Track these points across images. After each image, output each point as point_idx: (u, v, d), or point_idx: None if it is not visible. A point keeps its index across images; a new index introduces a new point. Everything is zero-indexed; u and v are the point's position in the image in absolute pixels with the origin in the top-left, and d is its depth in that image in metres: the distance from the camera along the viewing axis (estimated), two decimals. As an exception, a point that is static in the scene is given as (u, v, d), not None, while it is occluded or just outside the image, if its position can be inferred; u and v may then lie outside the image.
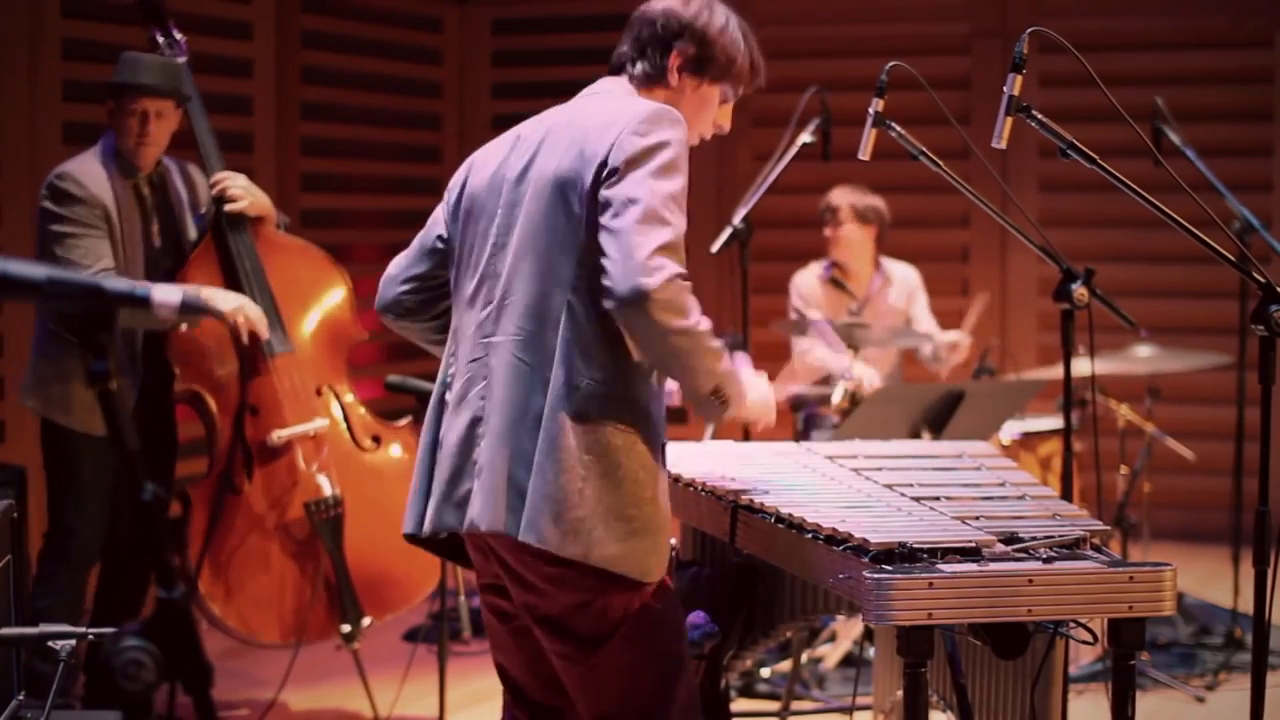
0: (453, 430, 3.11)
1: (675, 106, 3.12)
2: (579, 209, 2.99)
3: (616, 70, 3.24)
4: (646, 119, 3.00)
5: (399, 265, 3.31)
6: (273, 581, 5.02)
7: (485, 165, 3.19)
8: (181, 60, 5.02)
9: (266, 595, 5.01)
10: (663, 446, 3.10)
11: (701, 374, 3.00)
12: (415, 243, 3.30)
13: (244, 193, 5.05)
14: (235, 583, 4.96)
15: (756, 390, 3.23)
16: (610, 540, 2.97)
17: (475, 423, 3.07)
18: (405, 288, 3.30)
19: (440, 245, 3.25)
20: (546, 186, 3.04)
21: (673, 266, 2.90)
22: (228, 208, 5.03)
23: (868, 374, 5.97)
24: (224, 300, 4.84)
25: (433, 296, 3.28)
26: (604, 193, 2.96)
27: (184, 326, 4.87)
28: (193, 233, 5.03)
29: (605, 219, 2.94)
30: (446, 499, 3.09)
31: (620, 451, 3.00)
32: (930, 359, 6.43)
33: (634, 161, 2.95)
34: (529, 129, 3.17)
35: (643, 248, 2.89)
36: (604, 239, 2.93)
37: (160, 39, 5.06)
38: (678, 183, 2.97)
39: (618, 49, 3.25)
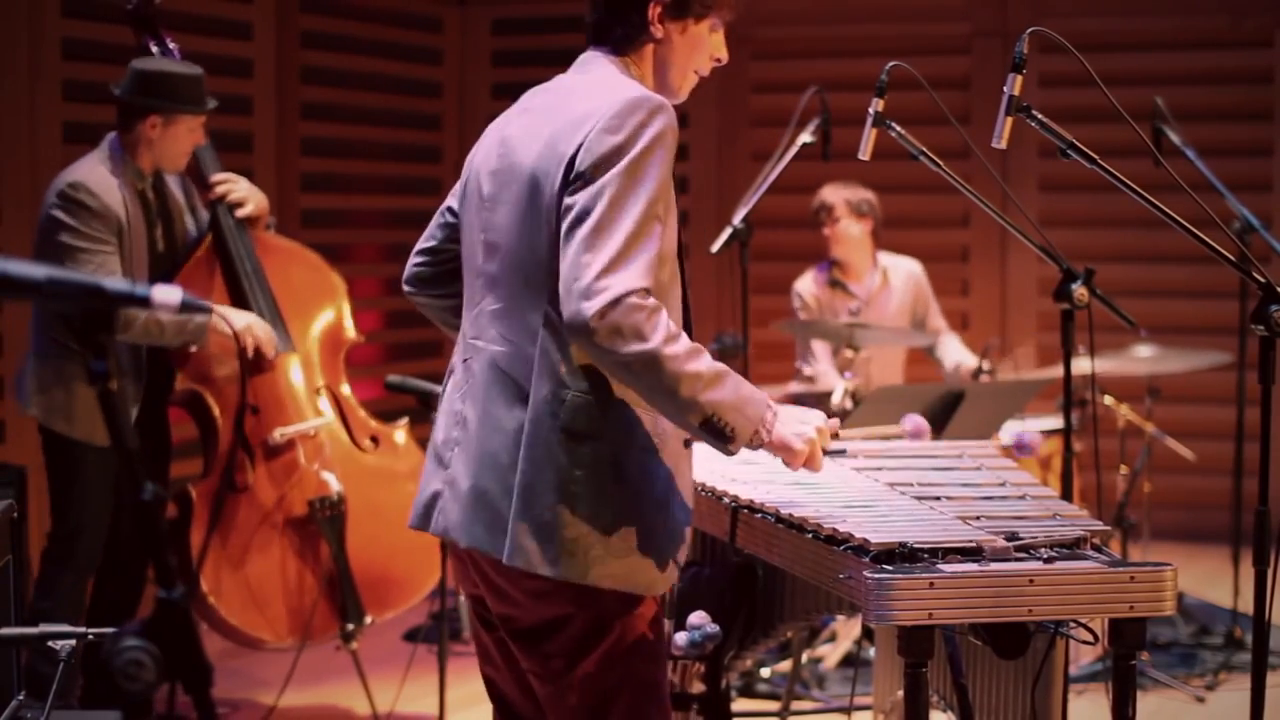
0: (437, 427, 3.05)
1: (666, 58, 3.01)
2: (549, 213, 2.84)
3: (597, 39, 3.03)
4: (619, 112, 2.82)
5: (421, 239, 3.22)
6: (276, 580, 5.02)
7: (487, 138, 3.06)
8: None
9: (270, 594, 5.01)
10: (686, 443, 2.93)
11: (680, 404, 2.76)
12: (435, 214, 3.21)
13: (247, 195, 5.06)
14: (239, 582, 4.96)
15: (793, 426, 2.89)
16: (610, 558, 2.84)
17: (452, 425, 3.00)
18: (418, 259, 3.21)
19: (450, 219, 3.15)
20: (524, 185, 2.89)
21: (620, 285, 2.69)
22: (238, 213, 5.03)
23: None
24: (235, 319, 4.85)
25: (444, 270, 3.17)
26: (567, 199, 2.80)
27: (193, 349, 4.86)
28: (193, 233, 5.03)
29: (563, 230, 2.78)
30: (420, 494, 3.05)
31: (615, 463, 2.85)
32: (940, 362, 6.42)
33: (601, 164, 2.78)
34: (534, 101, 3.02)
35: (587, 269, 2.71)
36: (561, 255, 2.78)
37: (155, 48, 5.02)
38: (651, 180, 2.79)
39: (588, 15, 3.04)
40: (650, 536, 2.88)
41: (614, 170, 2.78)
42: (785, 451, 2.90)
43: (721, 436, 2.80)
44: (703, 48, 3.05)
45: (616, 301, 2.69)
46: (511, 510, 2.86)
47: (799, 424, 2.90)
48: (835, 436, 3.07)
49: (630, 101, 2.84)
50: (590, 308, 2.69)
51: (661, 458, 2.90)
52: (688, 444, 2.97)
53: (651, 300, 2.73)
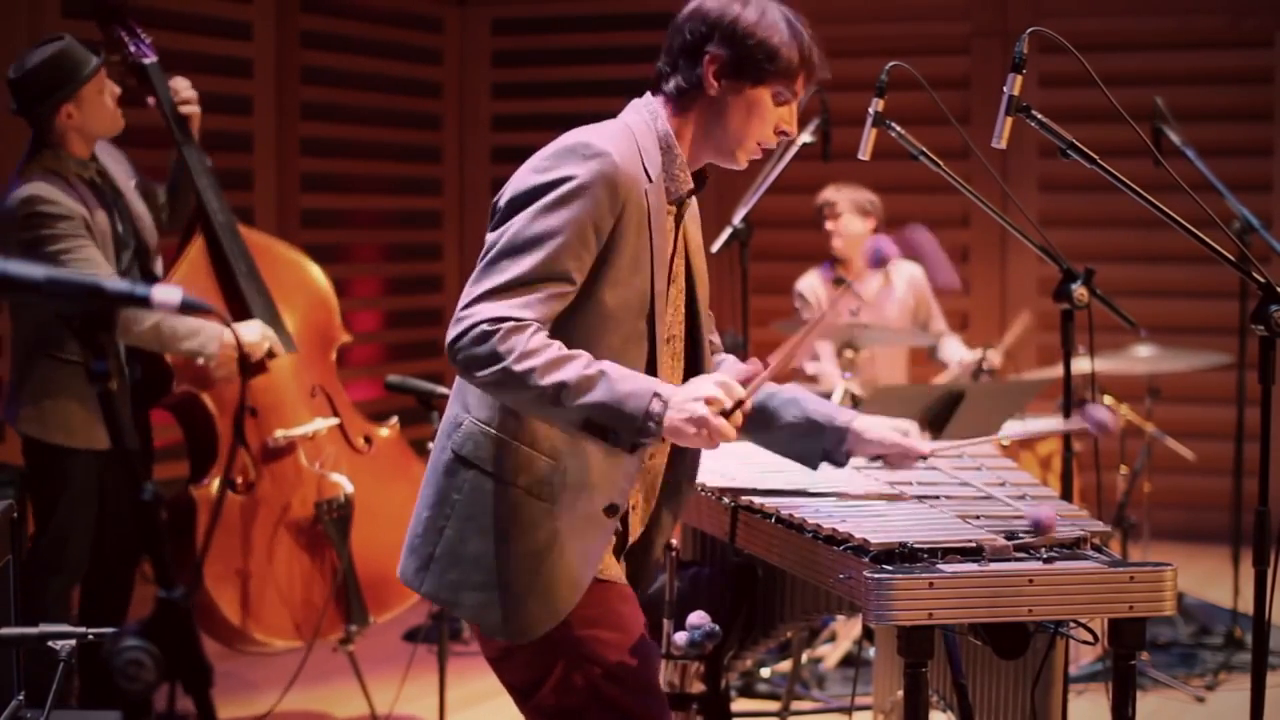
0: None
1: (719, 118, 2.90)
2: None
3: (654, 85, 2.95)
4: (553, 153, 2.79)
5: None
6: (283, 583, 5.01)
7: None
8: (150, 60, 4.90)
9: (276, 597, 4.99)
10: (607, 510, 2.87)
11: (553, 414, 2.74)
12: None
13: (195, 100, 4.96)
14: (245, 585, 4.94)
15: (683, 410, 2.73)
16: (465, 588, 2.85)
17: None
18: None
19: None
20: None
21: (481, 314, 2.69)
22: (182, 109, 4.90)
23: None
24: (246, 332, 4.83)
25: None
26: (487, 234, 2.82)
27: (200, 361, 4.75)
28: (139, 204, 4.84)
29: None
30: None
31: (491, 498, 2.84)
32: (944, 361, 6.42)
33: (518, 200, 2.77)
34: None
35: (465, 298, 2.74)
36: None
37: (125, 38, 4.90)
38: (563, 226, 2.73)
39: (657, 63, 2.97)
40: (512, 584, 2.84)
41: (534, 206, 2.75)
42: (679, 438, 2.76)
43: (605, 437, 2.74)
44: (763, 116, 2.92)
45: (471, 328, 2.70)
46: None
47: (689, 404, 2.73)
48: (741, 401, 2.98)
49: (569, 145, 2.80)
50: (449, 334, 2.73)
51: (553, 513, 2.85)
52: (610, 512, 2.90)
53: (508, 323, 2.69)
